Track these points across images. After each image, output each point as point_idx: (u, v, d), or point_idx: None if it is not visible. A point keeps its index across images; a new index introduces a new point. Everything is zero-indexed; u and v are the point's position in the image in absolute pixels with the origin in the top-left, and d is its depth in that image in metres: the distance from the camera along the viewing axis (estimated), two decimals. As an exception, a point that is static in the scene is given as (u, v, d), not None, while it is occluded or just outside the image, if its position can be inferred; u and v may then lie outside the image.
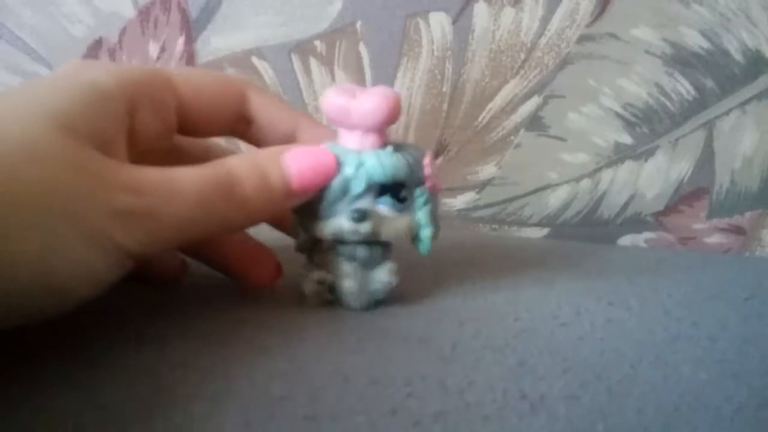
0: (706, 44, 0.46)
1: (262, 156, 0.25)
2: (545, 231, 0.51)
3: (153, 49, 0.46)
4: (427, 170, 0.27)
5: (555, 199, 0.50)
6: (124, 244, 0.20)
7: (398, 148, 0.27)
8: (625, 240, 0.51)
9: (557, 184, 0.50)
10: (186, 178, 0.22)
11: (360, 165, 0.26)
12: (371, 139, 0.26)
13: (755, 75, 0.47)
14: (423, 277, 0.28)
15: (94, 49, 0.46)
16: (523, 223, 0.51)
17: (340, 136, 0.27)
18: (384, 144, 0.27)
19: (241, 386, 0.21)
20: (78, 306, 0.20)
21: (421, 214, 0.27)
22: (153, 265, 0.29)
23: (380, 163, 0.26)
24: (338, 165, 0.26)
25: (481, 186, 0.50)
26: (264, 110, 0.29)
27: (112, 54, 0.46)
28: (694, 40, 0.46)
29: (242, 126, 0.29)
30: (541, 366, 0.24)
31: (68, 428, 0.18)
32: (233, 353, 0.23)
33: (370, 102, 0.26)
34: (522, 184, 0.50)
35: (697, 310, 0.31)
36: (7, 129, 0.19)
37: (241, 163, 0.24)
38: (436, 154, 0.48)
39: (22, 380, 0.21)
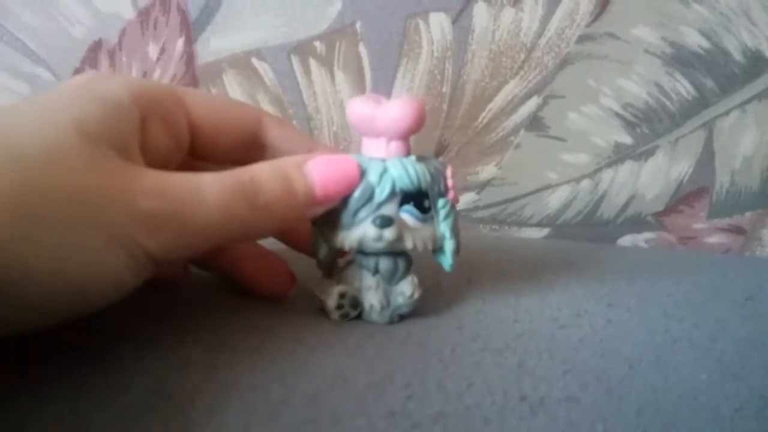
0: (706, 44, 0.46)
1: (286, 163, 0.25)
2: (545, 231, 0.51)
3: (153, 50, 0.46)
4: (449, 182, 0.27)
5: (555, 199, 0.50)
6: (149, 247, 0.20)
7: (420, 158, 0.27)
8: (625, 240, 0.51)
9: (557, 185, 0.50)
10: (210, 182, 0.22)
11: (384, 172, 0.25)
12: (395, 147, 0.26)
13: (755, 75, 0.47)
14: (422, 279, 0.28)
15: (94, 50, 0.46)
16: (523, 224, 0.51)
17: (363, 145, 0.27)
18: (407, 153, 0.27)
19: (241, 389, 0.21)
20: (101, 308, 0.20)
21: (444, 226, 0.27)
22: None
23: (405, 171, 0.25)
24: (362, 173, 0.25)
25: (481, 186, 0.50)
26: (279, 137, 0.29)
27: (111, 55, 0.46)
28: (694, 40, 0.46)
29: (255, 152, 0.29)
30: (540, 368, 0.24)
31: (68, 428, 0.18)
32: (233, 356, 0.24)
33: (397, 109, 0.26)
34: (522, 184, 0.50)
35: (697, 310, 0.31)
36: (29, 136, 0.19)
37: (264, 169, 0.24)
38: (436, 155, 0.48)
39: (23, 381, 0.21)
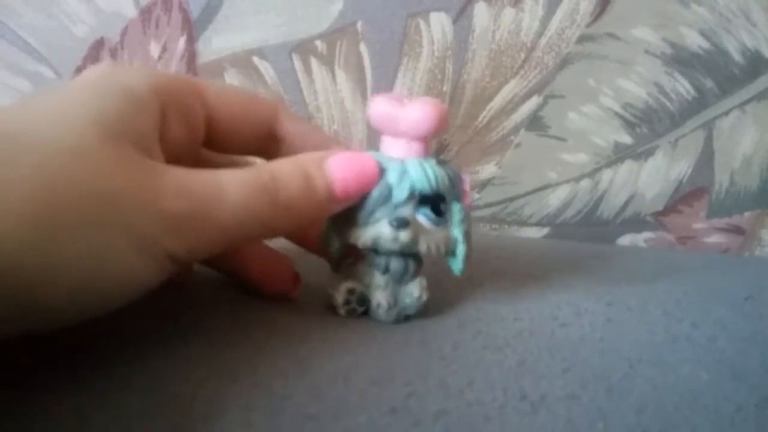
0: (705, 44, 0.46)
1: (306, 160, 0.24)
2: (545, 231, 0.51)
3: (154, 48, 0.46)
4: (466, 187, 0.27)
5: (555, 198, 0.50)
6: (172, 248, 0.20)
7: (439, 161, 0.27)
8: (625, 240, 0.51)
9: (557, 184, 0.50)
10: (231, 181, 0.22)
11: (404, 173, 0.25)
12: (416, 148, 0.26)
13: (755, 75, 0.47)
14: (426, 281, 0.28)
15: (96, 48, 0.46)
16: (523, 223, 0.51)
17: (383, 144, 0.27)
18: (427, 155, 0.27)
19: (244, 385, 0.21)
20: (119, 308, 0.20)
21: (458, 231, 0.27)
22: None
23: (424, 173, 0.25)
24: (381, 172, 0.25)
25: (481, 186, 0.50)
26: (294, 130, 0.29)
27: (113, 54, 0.46)
28: (693, 40, 0.46)
29: (270, 144, 0.29)
30: (541, 366, 0.24)
31: (69, 427, 0.18)
32: (236, 353, 0.24)
33: (420, 111, 0.25)
34: (522, 183, 0.50)
35: (696, 310, 0.31)
36: (55, 137, 0.19)
37: (284, 166, 0.24)
38: (437, 154, 0.48)
39: (23, 379, 0.21)
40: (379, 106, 0.26)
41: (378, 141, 0.27)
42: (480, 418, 0.20)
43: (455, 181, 0.27)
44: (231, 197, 0.21)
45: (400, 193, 0.25)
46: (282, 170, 0.24)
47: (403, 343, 0.25)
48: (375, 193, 0.25)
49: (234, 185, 0.22)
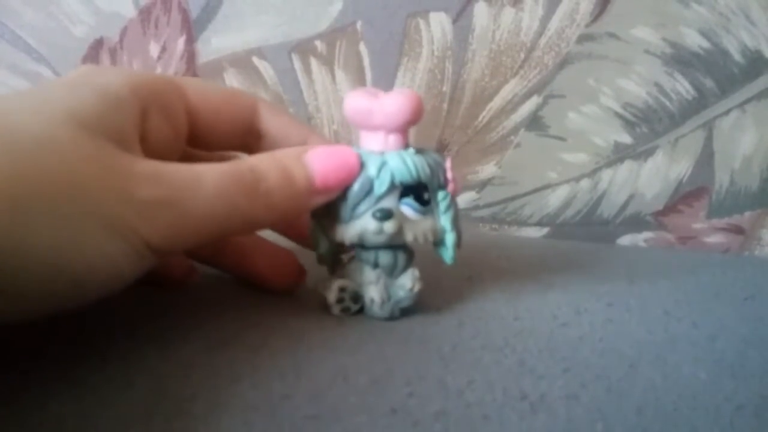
0: (705, 44, 0.46)
1: (285, 154, 0.25)
2: (545, 230, 0.51)
3: (154, 49, 0.46)
4: (449, 174, 0.27)
5: (555, 198, 0.50)
6: (147, 236, 0.20)
7: (419, 151, 0.27)
8: (625, 240, 0.51)
9: (557, 184, 0.50)
10: (208, 172, 0.22)
11: (383, 165, 0.25)
12: (393, 140, 0.26)
13: (755, 75, 0.47)
14: (423, 277, 0.28)
15: (95, 48, 0.46)
16: (522, 223, 0.51)
17: (361, 139, 0.27)
18: (406, 146, 0.27)
19: (243, 386, 0.21)
20: (99, 300, 0.20)
21: (445, 219, 0.27)
22: (161, 266, 0.29)
23: (404, 163, 0.25)
24: (361, 165, 0.25)
25: (481, 186, 0.50)
26: (275, 124, 0.29)
27: (113, 54, 0.46)
28: (693, 40, 0.46)
29: (252, 139, 0.29)
30: (540, 366, 0.24)
31: (70, 427, 0.18)
32: (236, 353, 0.24)
33: (394, 102, 0.26)
34: (522, 183, 0.50)
35: (696, 310, 0.31)
36: (23, 125, 0.19)
37: (263, 160, 0.24)
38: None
39: (24, 379, 0.21)
40: (354, 101, 0.26)
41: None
42: (479, 419, 0.20)
43: (436, 169, 0.27)
44: (208, 186, 0.22)
45: (381, 185, 0.25)
46: (261, 163, 0.24)
47: (403, 343, 0.25)
48: (356, 187, 0.25)
49: (211, 175, 0.22)
